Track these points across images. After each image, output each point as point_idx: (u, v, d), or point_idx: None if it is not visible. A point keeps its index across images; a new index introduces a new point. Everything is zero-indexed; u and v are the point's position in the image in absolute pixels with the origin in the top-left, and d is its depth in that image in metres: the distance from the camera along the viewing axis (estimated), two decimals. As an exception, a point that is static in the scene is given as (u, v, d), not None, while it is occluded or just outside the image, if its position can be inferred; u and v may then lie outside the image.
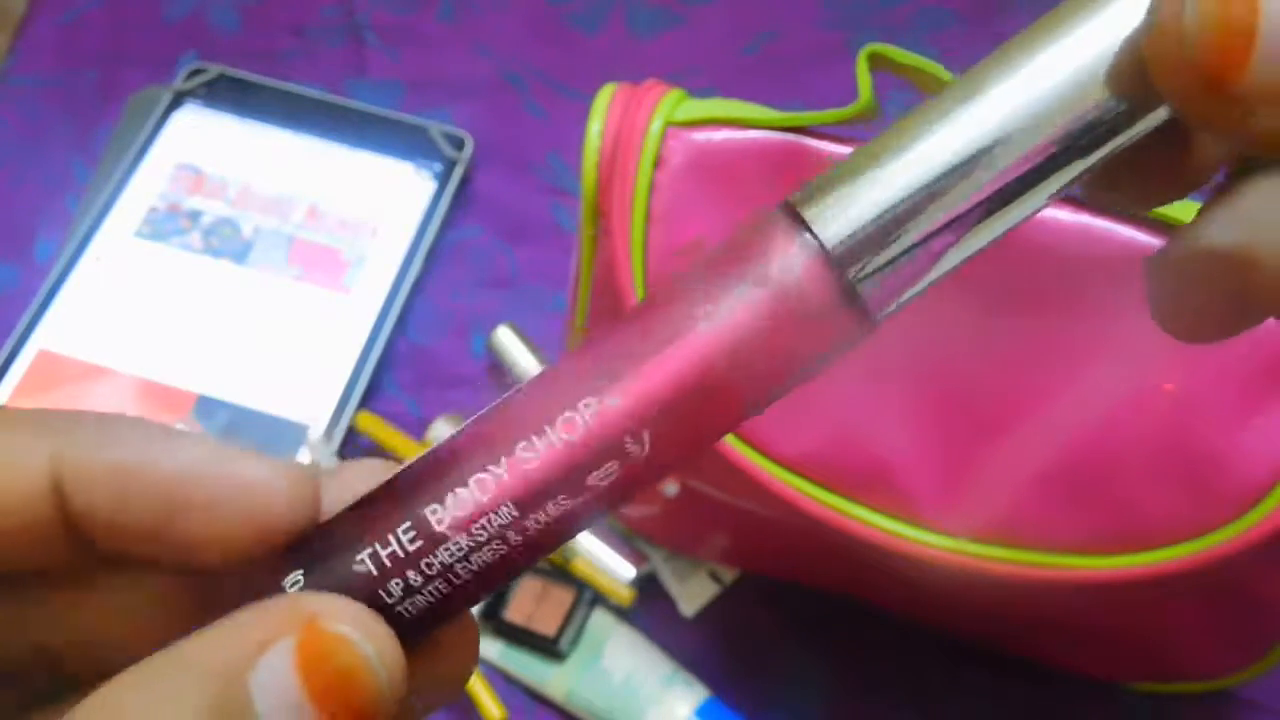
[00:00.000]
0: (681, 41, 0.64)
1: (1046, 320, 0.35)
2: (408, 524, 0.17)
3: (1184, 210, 0.33)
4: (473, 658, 0.19)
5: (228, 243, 0.55)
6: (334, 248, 0.56)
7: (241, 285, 0.54)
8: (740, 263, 0.17)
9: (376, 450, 0.51)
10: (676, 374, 0.17)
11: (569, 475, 0.17)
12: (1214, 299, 0.16)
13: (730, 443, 0.37)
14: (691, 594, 0.49)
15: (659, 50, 0.64)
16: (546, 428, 0.17)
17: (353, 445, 0.52)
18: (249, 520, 0.17)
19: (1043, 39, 0.16)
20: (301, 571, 0.18)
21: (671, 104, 0.37)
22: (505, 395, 0.18)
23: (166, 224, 0.56)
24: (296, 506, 0.18)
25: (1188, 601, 0.39)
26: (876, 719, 0.47)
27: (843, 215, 0.17)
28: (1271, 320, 0.33)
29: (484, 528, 0.17)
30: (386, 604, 0.17)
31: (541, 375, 0.18)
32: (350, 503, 0.18)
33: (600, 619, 0.48)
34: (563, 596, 0.47)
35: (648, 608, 0.48)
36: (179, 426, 0.18)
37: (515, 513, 0.17)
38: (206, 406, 0.51)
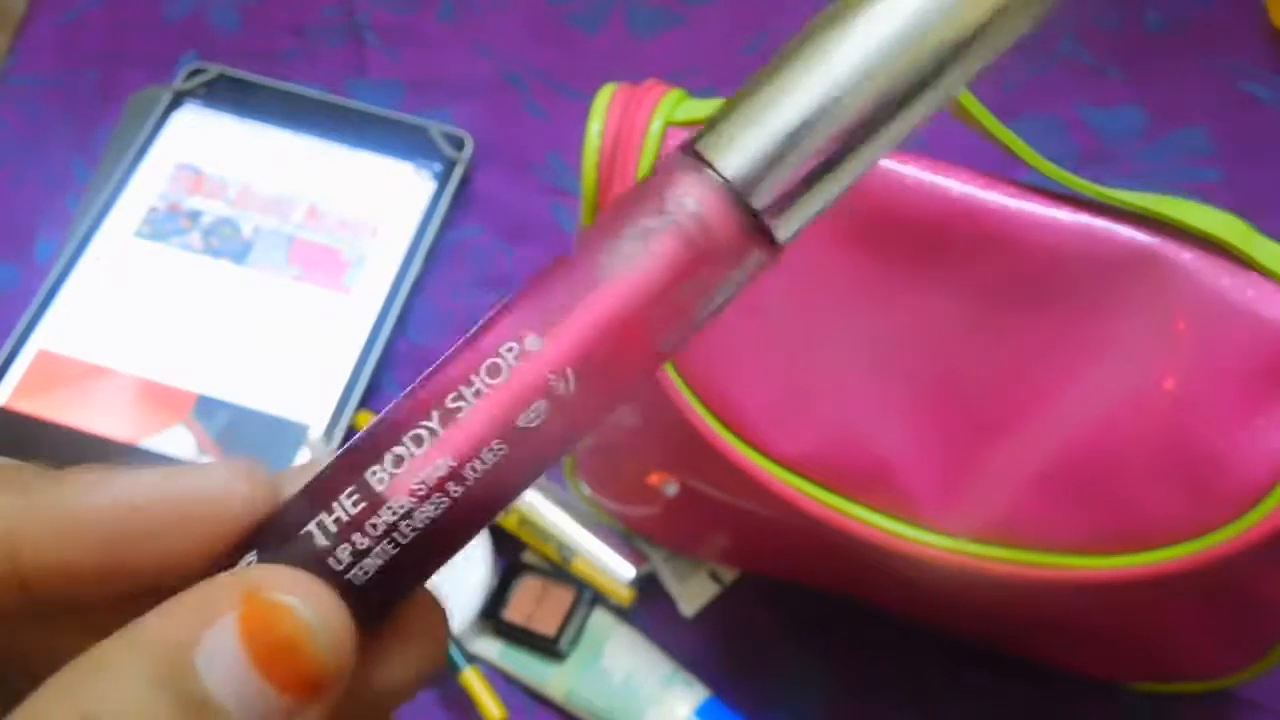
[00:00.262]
0: (681, 41, 0.64)
1: (1046, 320, 0.35)
2: (350, 488, 0.18)
3: (1185, 210, 0.33)
4: (441, 640, 0.19)
5: (228, 243, 0.55)
6: (334, 248, 0.56)
7: (241, 285, 0.54)
8: (645, 202, 0.18)
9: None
10: (591, 311, 0.17)
11: (499, 419, 0.17)
12: None
13: (730, 443, 0.37)
14: (691, 594, 0.49)
15: (659, 50, 0.64)
16: (473, 376, 0.17)
17: (353, 445, 0.52)
18: (203, 535, 0.18)
19: None
20: (255, 552, 0.18)
21: (671, 104, 0.37)
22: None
23: (166, 224, 0.56)
24: (253, 506, 0.18)
25: (1188, 601, 0.39)
26: (876, 719, 0.47)
27: (740, 147, 0.18)
28: (1271, 320, 0.33)
29: (423, 482, 0.17)
30: (337, 571, 0.17)
31: (469, 333, 0.18)
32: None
33: (600, 619, 0.48)
34: (563, 596, 0.47)
35: (648, 608, 0.48)
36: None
37: (452, 462, 0.17)
38: (206, 406, 0.51)
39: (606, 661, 0.46)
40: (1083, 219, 0.34)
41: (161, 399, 0.51)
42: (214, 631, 0.16)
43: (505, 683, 0.47)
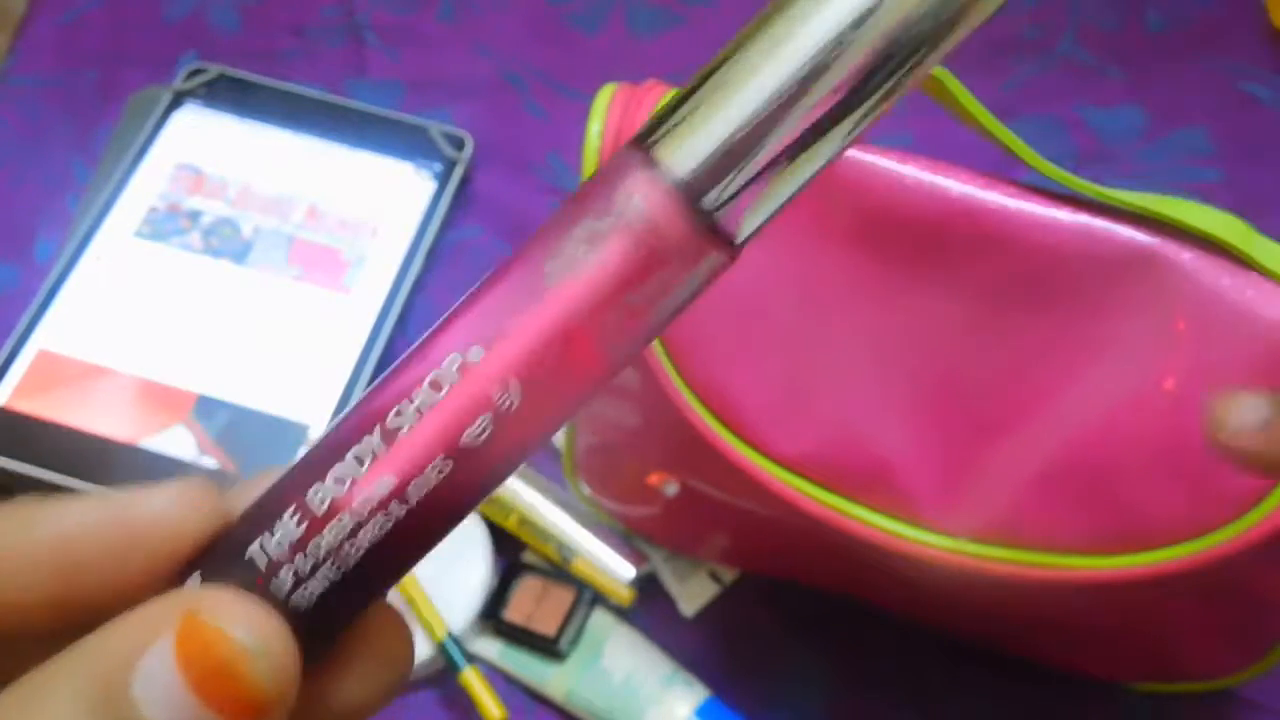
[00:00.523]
0: (681, 41, 0.64)
1: (1046, 320, 0.35)
2: (292, 508, 0.17)
3: (1185, 210, 0.33)
4: (402, 659, 0.19)
5: (228, 243, 0.55)
6: (334, 248, 0.56)
7: (241, 285, 0.54)
8: (592, 202, 0.17)
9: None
10: (536, 321, 0.16)
11: (442, 435, 0.17)
12: None
13: (730, 443, 0.37)
14: (691, 594, 0.49)
15: (659, 50, 0.64)
16: (415, 391, 0.17)
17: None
18: (153, 559, 0.17)
19: None
20: (199, 573, 0.17)
21: (671, 104, 0.37)
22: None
23: (166, 224, 0.56)
24: (201, 527, 0.18)
25: (1188, 601, 0.39)
26: (876, 719, 0.46)
27: (690, 142, 0.16)
28: (1271, 320, 0.33)
29: (366, 501, 0.17)
30: (280, 592, 0.17)
31: (416, 344, 0.17)
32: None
33: (600, 619, 0.48)
34: (563, 596, 0.47)
35: (648, 608, 0.48)
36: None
37: (394, 480, 0.17)
38: (206, 406, 0.51)
39: (606, 661, 0.46)
40: (1082, 219, 0.34)
41: (162, 399, 0.51)
42: (151, 654, 0.15)
43: (505, 683, 0.47)
